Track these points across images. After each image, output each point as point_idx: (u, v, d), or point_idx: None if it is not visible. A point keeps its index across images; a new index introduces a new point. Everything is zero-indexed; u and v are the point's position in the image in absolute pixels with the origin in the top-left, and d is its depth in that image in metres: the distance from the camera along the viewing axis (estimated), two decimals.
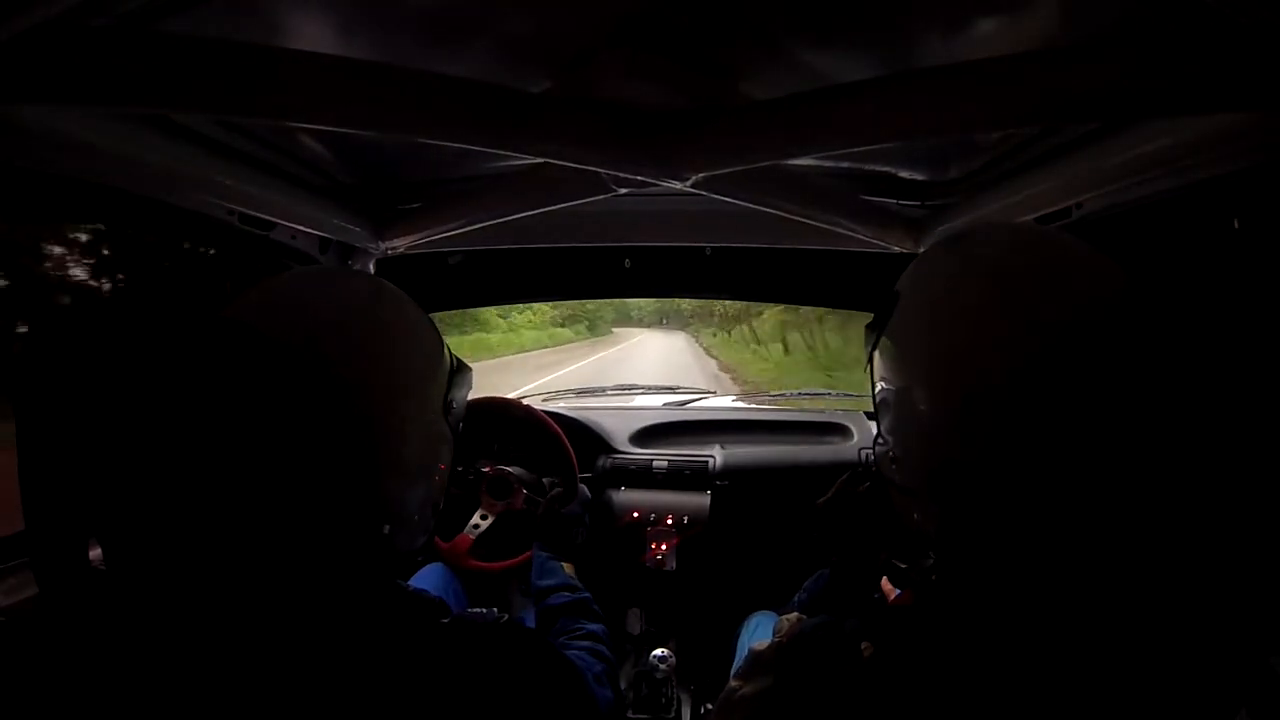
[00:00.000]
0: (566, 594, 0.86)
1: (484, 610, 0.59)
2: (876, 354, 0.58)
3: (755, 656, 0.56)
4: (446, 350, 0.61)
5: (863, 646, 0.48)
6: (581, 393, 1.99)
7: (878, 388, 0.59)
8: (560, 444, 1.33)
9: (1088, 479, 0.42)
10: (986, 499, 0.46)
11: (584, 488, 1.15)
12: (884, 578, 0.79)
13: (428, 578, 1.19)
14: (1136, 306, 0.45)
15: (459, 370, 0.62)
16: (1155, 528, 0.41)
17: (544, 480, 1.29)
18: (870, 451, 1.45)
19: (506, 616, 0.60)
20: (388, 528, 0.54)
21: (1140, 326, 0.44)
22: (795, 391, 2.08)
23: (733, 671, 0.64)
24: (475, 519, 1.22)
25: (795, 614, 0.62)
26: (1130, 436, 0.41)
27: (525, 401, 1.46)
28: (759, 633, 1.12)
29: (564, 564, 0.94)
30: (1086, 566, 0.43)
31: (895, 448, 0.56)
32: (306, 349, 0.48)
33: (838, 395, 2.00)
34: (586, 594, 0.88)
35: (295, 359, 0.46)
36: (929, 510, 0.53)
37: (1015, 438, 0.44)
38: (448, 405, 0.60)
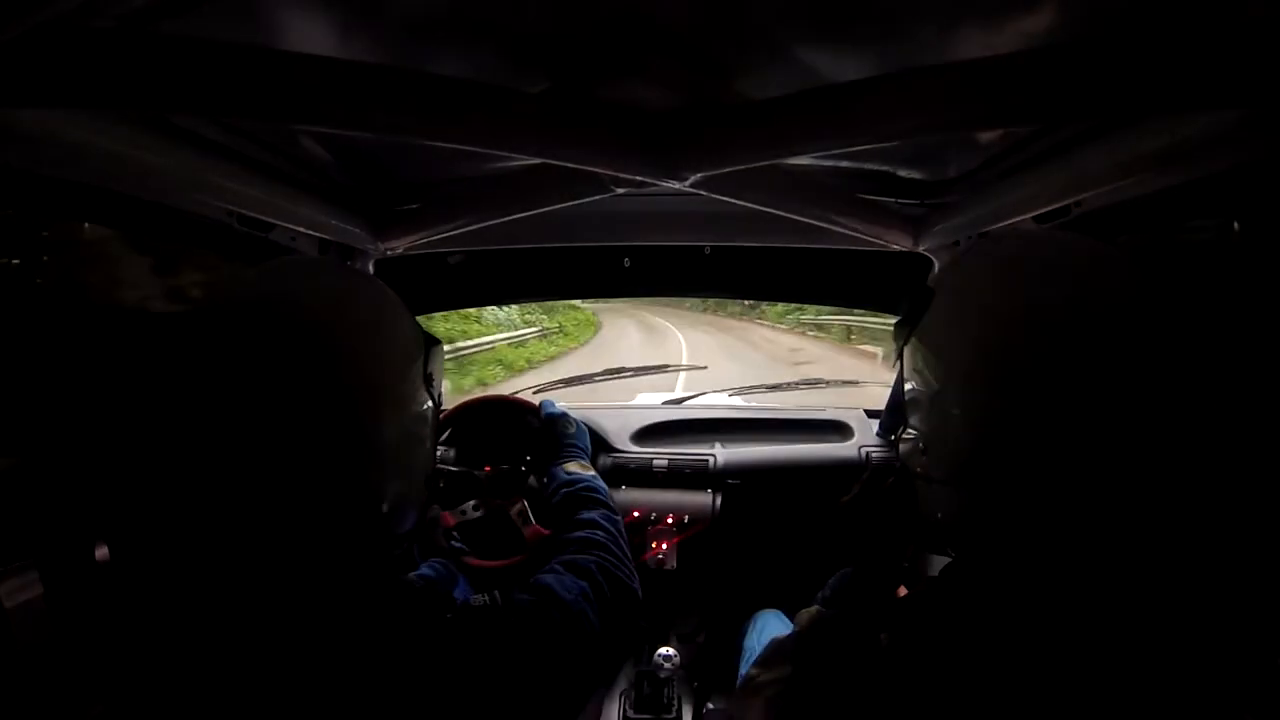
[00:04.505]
0: (564, 490, 0.84)
1: (485, 597, 0.60)
2: (908, 349, 0.60)
3: (776, 645, 0.57)
4: (419, 327, 0.64)
5: (880, 636, 0.49)
6: (571, 381, 1.96)
7: (909, 382, 0.60)
8: (516, 406, 1.34)
9: (1119, 472, 0.43)
10: (1022, 487, 0.47)
11: (547, 399, 1.14)
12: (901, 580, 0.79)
13: (432, 567, 1.19)
14: (1167, 308, 0.46)
15: (432, 344, 0.65)
16: (1180, 523, 0.41)
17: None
18: (871, 450, 1.47)
19: (502, 597, 0.60)
20: (385, 506, 0.55)
21: (1172, 327, 0.45)
22: (794, 381, 2.06)
23: (752, 661, 0.65)
24: (468, 506, 1.21)
25: (815, 607, 0.63)
26: (1162, 433, 0.42)
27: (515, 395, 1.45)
28: (765, 631, 1.12)
29: (566, 464, 0.92)
30: (1111, 558, 0.44)
31: (926, 439, 0.57)
32: (296, 337, 0.49)
33: (838, 383, 2.00)
34: (585, 480, 0.86)
35: (287, 347, 0.47)
36: (957, 502, 0.54)
37: (1053, 429, 0.45)
38: (428, 378, 0.62)
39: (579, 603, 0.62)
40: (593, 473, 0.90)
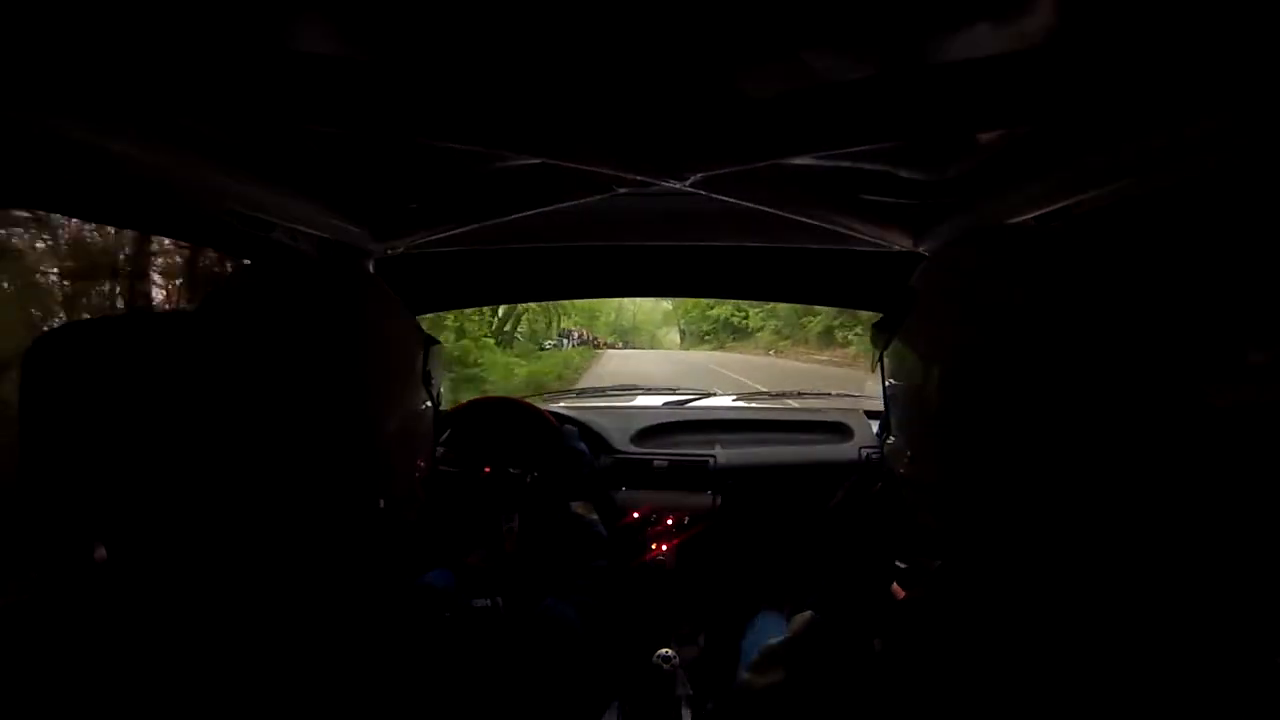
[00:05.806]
0: (574, 531, 0.91)
1: (487, 601, 0.61)
2: (890, 350, 0.59)
3: (769, 651, 0.57)
4: (418, 326, 0.65)
5: (874, 641, 0.49)
6: (583, 393, 1.99)
7: (890, 383, 0.59)
8: (533, 414, 1.33)
9: (1106, 473, 0.43)
10: (1006, 491, 0.46)
11: (569, 427, 1.16)
12: (894, 583, 0.79)
13: (433, 577, 1.19)
14: (1153, 306, 0.45)
15: (431, 344, 0.66)
16: (1174, 522, 0.41)
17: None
18: (871, 451, 1.47)
19: (501, 602, 0.63)
20: (383, 503, 0.55)
21: (1159, 326, 0.44)
22: (796, 391, 2.07)
23: (744, 667, 0.65)
24: (505, 525, 1.21)
25: (808, 612, 0.63)
26: (1151, 436, 0.42)
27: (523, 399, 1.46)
28: (764, 633, 1.12)
29: (576, 504, 0.97)
30: (1101, 561, 0.44)
31: (910, 443, 0.56)
32: (292, 336, 0.49)
33: (838, 395, 2.00)
34: (596, 526, 0.92)
35: (283, 346, 0.47)
36: (941, 505, 0.54)
37: (1040, 430, 0.45)
38: (426, 377, 0.63)
39: (580, 629, 0.67)
40: (597, 517, 0.96)
